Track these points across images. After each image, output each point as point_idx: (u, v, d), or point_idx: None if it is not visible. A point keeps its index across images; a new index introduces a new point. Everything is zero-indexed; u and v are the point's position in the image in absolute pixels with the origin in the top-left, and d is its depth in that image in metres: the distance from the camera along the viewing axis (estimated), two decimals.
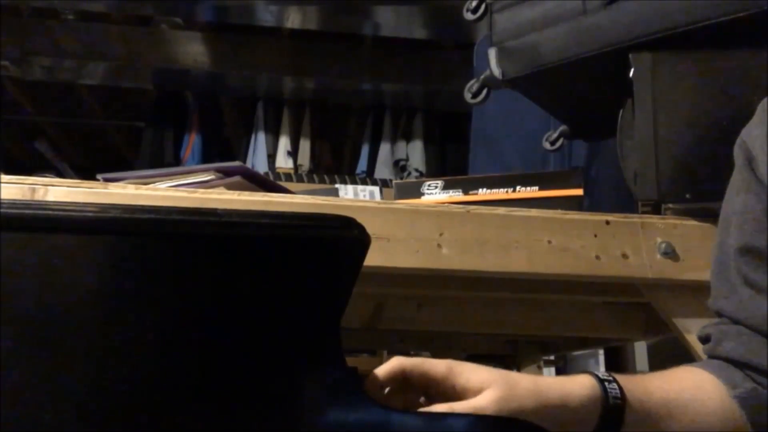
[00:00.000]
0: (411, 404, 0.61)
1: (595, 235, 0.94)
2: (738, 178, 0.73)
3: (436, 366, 0.59)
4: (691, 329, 0.94)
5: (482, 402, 0.57)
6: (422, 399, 0.61)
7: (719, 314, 0.72)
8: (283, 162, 3.94)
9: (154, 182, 0.97)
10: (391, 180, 3.70)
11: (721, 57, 0.99)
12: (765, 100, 0.72)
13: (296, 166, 3.97)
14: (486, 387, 0.58)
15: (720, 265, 0.72)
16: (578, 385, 0.62)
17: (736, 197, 0.72)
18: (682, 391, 0.66)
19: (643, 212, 0.99)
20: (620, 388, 0.62)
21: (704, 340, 0.73)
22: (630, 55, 1.01)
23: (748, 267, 0.68)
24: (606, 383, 0.62)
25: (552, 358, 2.76)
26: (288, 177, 3.73)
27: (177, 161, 3.98)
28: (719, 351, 0.70)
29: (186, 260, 0.52)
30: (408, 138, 4.09)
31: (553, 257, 0.93)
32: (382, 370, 0.59)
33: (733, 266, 0.70)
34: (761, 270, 0.67)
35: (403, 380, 0.60)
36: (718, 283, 0.72)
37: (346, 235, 0.54)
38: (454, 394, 0.59)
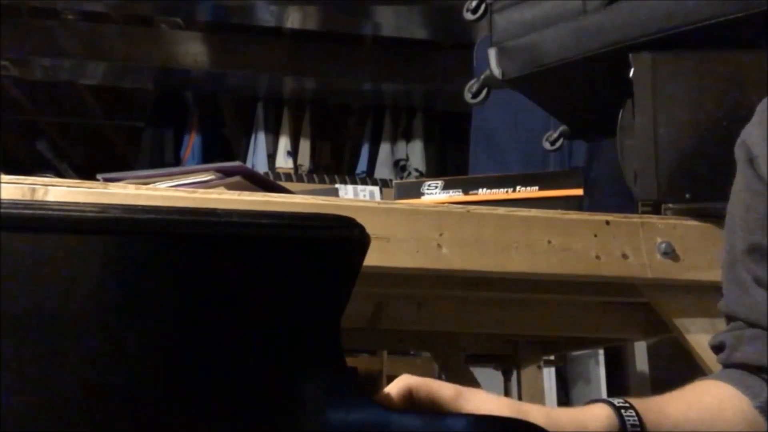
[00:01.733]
0: None
1: (595, 235, 0.94)
2: (740, 178, 0.72)
3: (444, 388, 0.58)
4: (691, 329, 0.94)
5: None
6: None
7: (731, 317, 0.70)
8: (283, 162, 3.94)
9: (154, 182, 0.97)
10: (391, 180, 3.70)
11: (721, 57, 0.99)
12: (764, 100, 0.72)
13: (296, 166, 3.97)
14: None
15: (730, 267, 0.71)
16: (594, 417, 0.59)
17: (739, 198, 0.71)
18: (703, 409, 0.64)
19: (643, 212, 0.98)
20: (638, 414, 0.59)
21: (717, 348, 0.71)
22: (630, 55, 1.01)
23: (756, 266, 0.67)
24: (622, 411, 0.60)
25: (552, 358, 2.75)
26: (288, 177, 3.74)
27: (177, 161, 3.98)
28: (736, 358, 0.68)
29: (185, 260, 0.52)
30: (408, 138, 4.09)
31: (553, 257, 0.93)
32: (393, 390, 0.58)
33: (742, 267, 0.69)
34: None
35: (409, 398, 0.59)
36: (729, 285, 0.71)
37: (346, 235, 0.54)
38: None
